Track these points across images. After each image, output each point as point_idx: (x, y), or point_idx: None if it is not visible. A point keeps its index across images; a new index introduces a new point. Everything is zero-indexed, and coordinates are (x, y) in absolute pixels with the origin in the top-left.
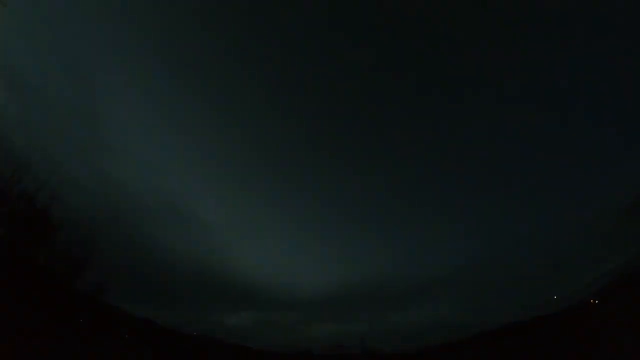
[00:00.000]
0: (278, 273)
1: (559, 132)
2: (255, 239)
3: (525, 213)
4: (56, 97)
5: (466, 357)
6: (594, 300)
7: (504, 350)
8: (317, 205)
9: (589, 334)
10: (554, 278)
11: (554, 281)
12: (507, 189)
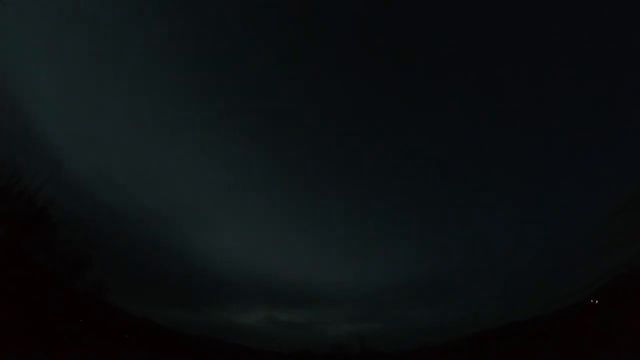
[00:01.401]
0: (280, 273)
1: (560, 134)
2: (257, 240)
3: (525, 215)
4: (58, 96)
5: (466, 357)
6: (594, 300)
7: (504, 350)
8: (323, 206)
9: (589, 334)
10: (554, 278)
11: (554, 281)
12: (506, 192)
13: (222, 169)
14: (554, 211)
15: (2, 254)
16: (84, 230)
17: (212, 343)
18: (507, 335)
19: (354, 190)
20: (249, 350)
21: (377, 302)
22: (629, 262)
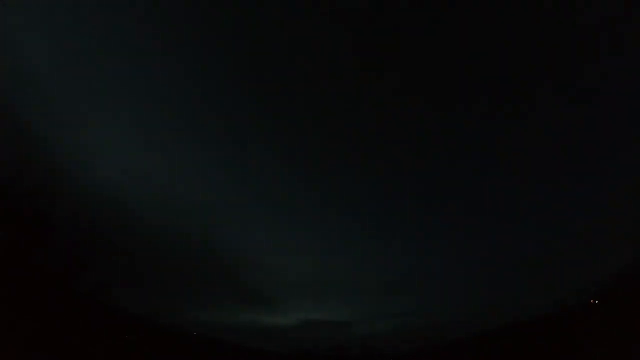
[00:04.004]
0: (281, 273)
1: (559, 132)
2: (258, 239)
3: (524, 213)
4: (56, 94)
5: (466, 357)
6: (594, 301)
7: (504, 350)
8: (312, 202)
9: (589, 334)
10: (554, 278)
11: (554, 281)
12: (506, 189)
13: (232, 167)
14: (553, 211)
15: (2, 254)
16: (84, 230)
17: (212, 343)
18: (507, 335)
19: (353, 189)
20: (249, 350)
21: (377, 302)
22: (629, 262)
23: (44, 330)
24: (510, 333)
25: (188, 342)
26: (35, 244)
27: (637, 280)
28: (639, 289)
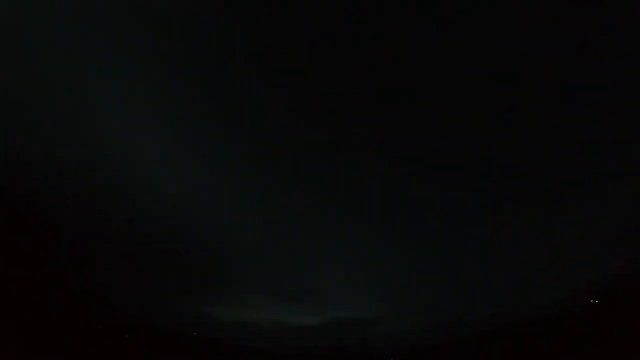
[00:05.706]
0: (282, 273)
1: (560, 133)
2: (265, 235)
3: (524, 214)
4: (56, 90)
5: (465, 357)
6: (594, 301)
7: (504, 350)
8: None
9: (589, 334)
10: (554, 278)
11: (554, 281)
12: (506, 191)
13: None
14: (553, 212)
15: (2, 254)
16: (84, 230)
17: (212, 343)
18: (507, 335)
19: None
20: (250, 350)
21: (377, 301)
22: (629, 262)
23: (44, 330)
24: (510, 333)
25: (188, 342)
26: (35, 244)
27: (637, 280)
28: (639, 289)
